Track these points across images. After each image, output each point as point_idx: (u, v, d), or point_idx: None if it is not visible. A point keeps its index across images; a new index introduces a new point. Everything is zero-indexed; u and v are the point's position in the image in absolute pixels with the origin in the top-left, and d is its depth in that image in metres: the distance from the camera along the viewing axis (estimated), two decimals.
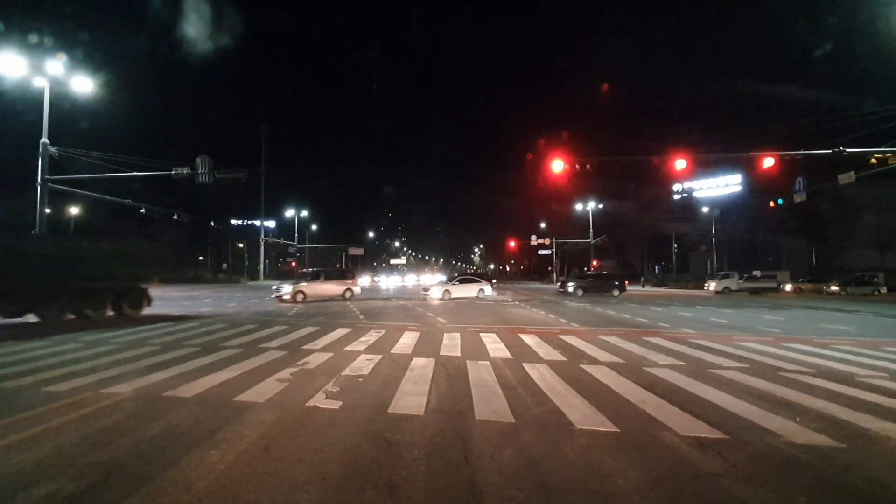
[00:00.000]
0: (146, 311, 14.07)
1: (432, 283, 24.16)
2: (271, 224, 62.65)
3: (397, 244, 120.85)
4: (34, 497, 2.85)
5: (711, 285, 32.76)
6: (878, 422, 4.35)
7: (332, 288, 21.00)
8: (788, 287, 32.15)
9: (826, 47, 40.07)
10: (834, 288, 30.46)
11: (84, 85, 15.99)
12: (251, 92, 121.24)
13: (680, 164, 16.02)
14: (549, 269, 61.69)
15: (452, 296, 21.32)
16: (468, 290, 22.09)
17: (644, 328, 11.58)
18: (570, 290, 25.46)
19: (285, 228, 58.69)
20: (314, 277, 21.11)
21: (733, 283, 31.54)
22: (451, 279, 24.03)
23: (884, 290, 28.50)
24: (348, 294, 21.06)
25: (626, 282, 27.88)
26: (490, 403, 4.82)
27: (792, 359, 7.49)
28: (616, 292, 25.48)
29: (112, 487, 2.98)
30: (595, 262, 55.35)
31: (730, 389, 5.48)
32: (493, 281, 26.15)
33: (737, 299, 25.49)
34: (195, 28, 43.51)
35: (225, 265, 63.74)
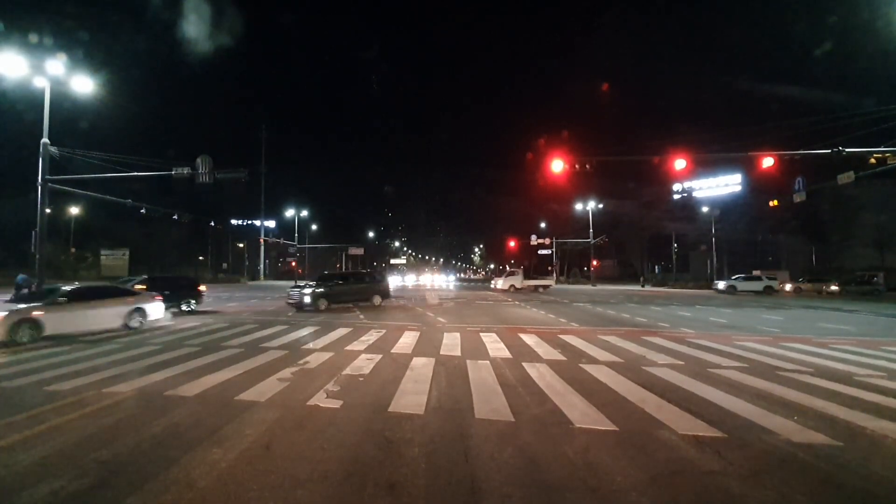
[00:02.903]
0: None
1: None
2: (271, 224, 62.71)
3: (397, 244, 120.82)
4: (38, 495, 2.88)
5: (499, 283, 35.30)
6: (876, 420, 4.38)
7: None
8: (788, 286, 32.16)
9: (826, 47, 40.09)
10: (834, 287, 30.48)
11: (84, 85, 15.97)
12: (251, 92, 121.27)
13: (680, 163, 16.01)
14: (550, 268, 61.69)
15: (46, 332, 9.02)
16: (93, 318, 10.05)
17: (643, 328, 11.60)
18: (307, 300, 15.73)
19: (285, 228, 58.68)
20: None
21: (518, 280, 33.88)
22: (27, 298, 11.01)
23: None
24: None
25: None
26: (490, 402, 4.85)
27: (791, 358, 7.52)
28: (378, 299, 17.77)
29: (115, 485, 3.01)
30: (595, 263, 55.39)
31: (729, 389, 5.51)
32: (203, 288, 16.20)
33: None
34: (195, 28, 43.53)
35: (225, 265, 63.84)
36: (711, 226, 44.63)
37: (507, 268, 49.39)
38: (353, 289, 17.76)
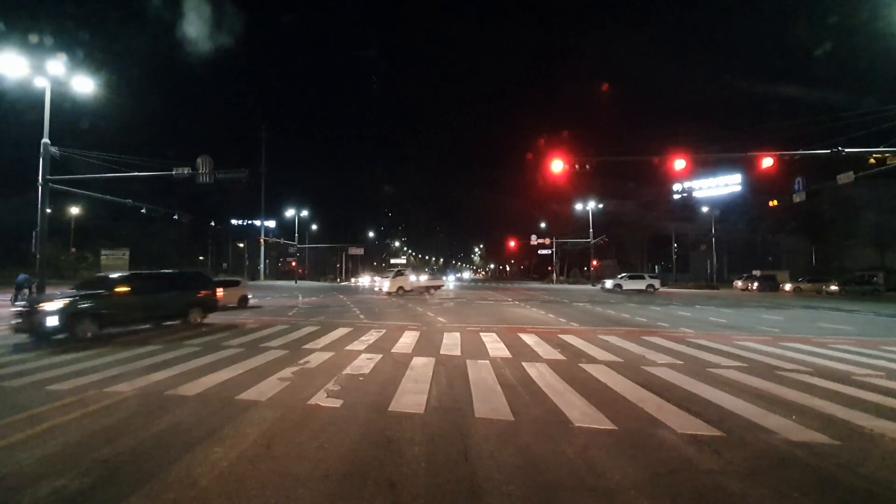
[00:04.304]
0: None
1: None
2: (271, 224, 62.75)
3: (397, 244, 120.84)
4: (40, 494, 2.89)
5: (385, 284, 33.54)
6: (874, 420, 4.39)
7: None
8: (788, 287, 32.19)
9: (826, 47, 40.08)
10: (833, 287, 30.51)
11: (85, 85, 16.00)
12: (251, 92, 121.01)
13: (679, 164, 16.02)
14: (549, 269, 61.71)
15: None
16: None
17: (643, 327, 11.61)
18: (53, 323, 8.71)
19: (285, 228, 58.78)
20: None
21: (406, 282, 32.83)
22: None
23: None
24: None
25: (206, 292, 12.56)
26: (490, 402, 4.86)
27: (790, 358, 7.53)
28: (196, 315, 11.76)
29: (116, 484, 3.02)
30: (595, 263, 55.38)
31: (728, 388, 5.52)
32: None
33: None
34: (195, 28, 43.60)
35: (225, 265, 63.91)
36: (711, 226, 44.68)
37: (506, 267, 49.04)
38: (149, 300, 10.62)
